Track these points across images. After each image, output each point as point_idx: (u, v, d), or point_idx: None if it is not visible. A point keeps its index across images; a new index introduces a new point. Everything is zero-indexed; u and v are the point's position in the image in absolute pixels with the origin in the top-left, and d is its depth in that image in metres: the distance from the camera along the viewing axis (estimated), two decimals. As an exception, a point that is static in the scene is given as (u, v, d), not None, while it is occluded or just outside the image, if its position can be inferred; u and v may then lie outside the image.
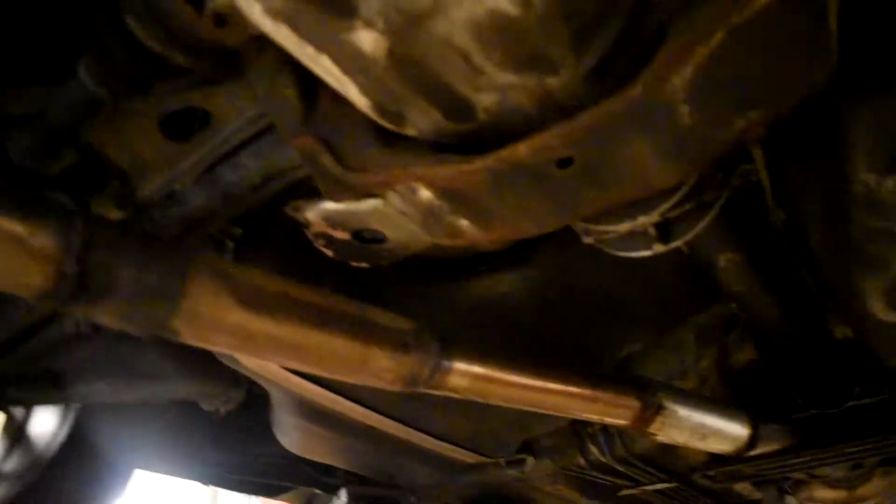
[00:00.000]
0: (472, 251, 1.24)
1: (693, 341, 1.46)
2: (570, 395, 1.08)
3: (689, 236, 0.79)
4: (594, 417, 1.14)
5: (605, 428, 1.49)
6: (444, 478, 1.62)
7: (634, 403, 1.14)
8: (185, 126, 0.88)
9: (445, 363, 0.93)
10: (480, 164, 0.62)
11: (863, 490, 1.78)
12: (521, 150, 0.60)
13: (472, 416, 1.38)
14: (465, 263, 1.25)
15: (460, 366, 0.95)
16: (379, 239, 0.90)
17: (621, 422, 1.16)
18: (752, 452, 1.38)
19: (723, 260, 1.10)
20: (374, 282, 1.12)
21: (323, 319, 0.79)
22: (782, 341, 1.45)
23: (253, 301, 0.72)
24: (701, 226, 0.78)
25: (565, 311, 1.32)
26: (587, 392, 1.10)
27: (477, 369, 0.97)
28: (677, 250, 1.25)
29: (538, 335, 1.28)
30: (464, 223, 0.73)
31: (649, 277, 1.36)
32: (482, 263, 1.25)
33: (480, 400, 1.00)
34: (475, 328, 1.14)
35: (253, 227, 1.06)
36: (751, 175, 1.15)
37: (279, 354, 0.79)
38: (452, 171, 0.63)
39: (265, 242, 1.08)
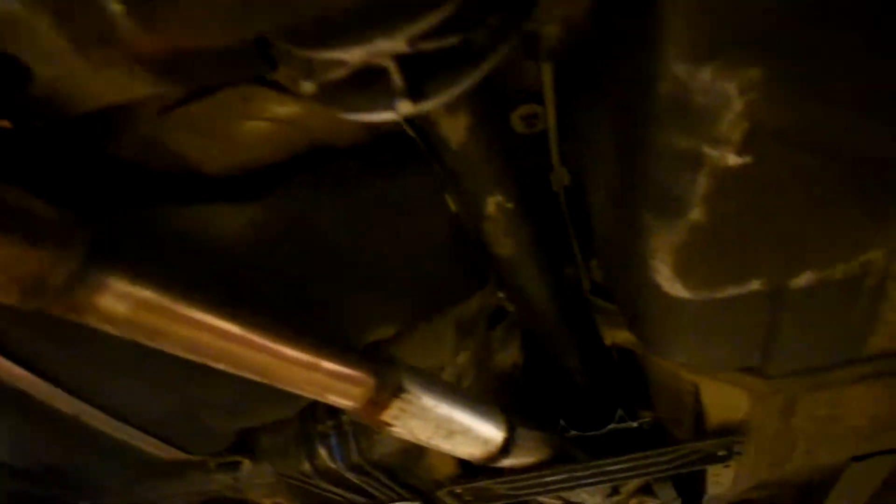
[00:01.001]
0: (190, 171, 0.98)
1: (453, 332, 1.28)
2: (280, 355, 0.85)
3: (447, 96, 0.58)
4: (311, 391, 0.92)
5: (339, 427, 1.26)
6: (133, 480, 1.31)
7: (367, 379, 0.94)
8: None
9: (95, 274, 0.68)
10: None
11: (619, 522, 1.68)
12: None
13: (170, 392, 1.10)
14: (180, 189, 0.99)
15: (119, 284, 0.70)
16: (22, 75, 0.63)
17: (347, 402, 0.95)
18: (506, 463, 1.20)
19: (491, 204, 0.92)
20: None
21: None
22: (548, 339, 1.30)
23: None
24: (465, 84, 0.58)
25: (302, 269, 1.09)
26: (304, 356, 0.88)
27: (145, 293, 0.72)
28: (445, 208, 1.08)
29: (262, 293, 1.04)
30: (116, 9, 0.49)
31: (411, 249, 1.17)
32: (204, 191, 1.00)
33: (145, 341, 0.76)
34: (178, 265, 0.88)
35: None
36: (536, 120, 1.00)
37: None
38: None
39: None
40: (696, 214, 0.78)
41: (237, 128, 0.96)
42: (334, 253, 1.11)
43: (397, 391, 0.96)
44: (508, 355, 1.43)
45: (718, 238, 0.81)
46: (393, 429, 0.99)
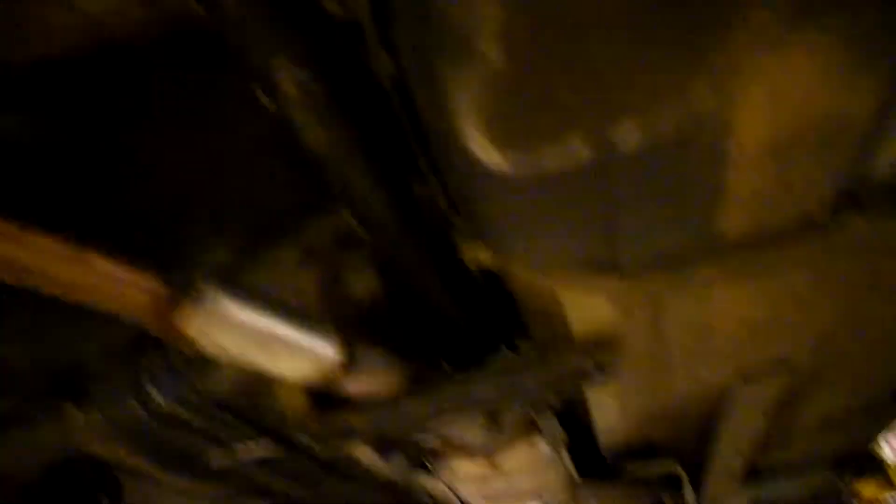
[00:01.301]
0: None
1: (296, 254, 1.18)
2: (43, 250, 0.74)
3: None
4: (91, 296, 0.81)
5: (168, 363, 1.15)
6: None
7: (151, 282, 0.83)
8: None
9: None
10: None
11: (507, 460, 1.60)
12: None
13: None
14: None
15: None
16: None
17: (134, 309, 0.86)
18: (354, 389, 1.11)
19: (289, 82, 0.83)
20: None
21: None
22: (401, 264, 1.21)
23: None
24: None
25: (114, 182, 0.98)
26: (72, 253, 0.77)
27: None
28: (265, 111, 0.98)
29: (69, 208, 0.93)
30: None
31: (234, 160, 1.08)
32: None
33: None
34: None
35: None
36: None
37: None
38: None
39: None
40: (493, 55, 0.69)
41: (16, 16, 0.86)
42: (150, 165, 1.01)
43: (191, 296, 0.86)
44: (363, 282, 1.33)
45: (524, 82, 0.73)
46: (195, 340, 0.89)
